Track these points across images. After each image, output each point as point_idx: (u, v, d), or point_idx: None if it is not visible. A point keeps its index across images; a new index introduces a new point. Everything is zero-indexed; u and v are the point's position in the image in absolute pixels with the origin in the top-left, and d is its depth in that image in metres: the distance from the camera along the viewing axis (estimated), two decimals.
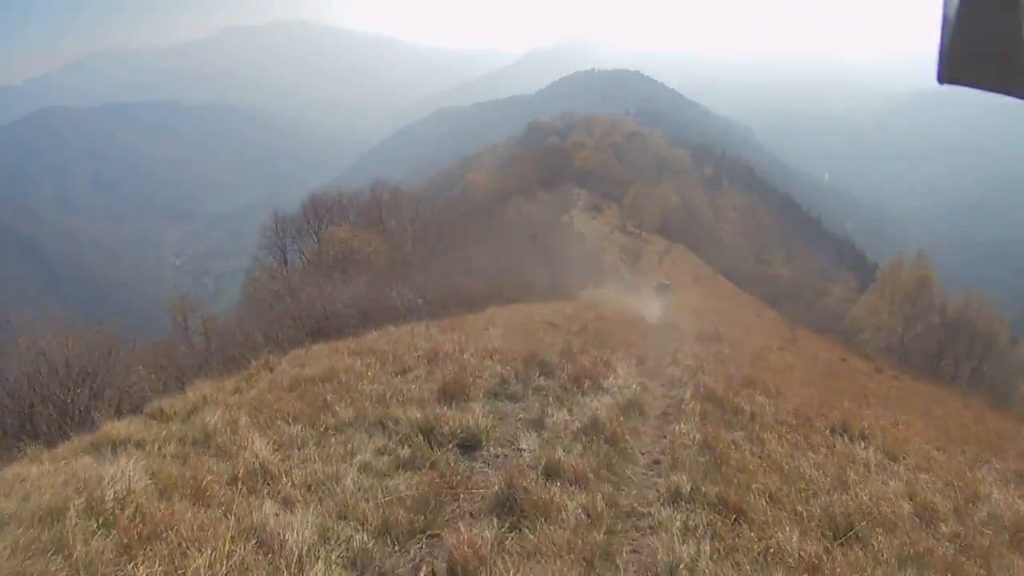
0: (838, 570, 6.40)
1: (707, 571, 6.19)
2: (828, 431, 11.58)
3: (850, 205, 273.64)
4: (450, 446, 8.93)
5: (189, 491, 7.21)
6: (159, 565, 5.64)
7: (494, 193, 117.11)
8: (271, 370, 14.38)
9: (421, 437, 9.14)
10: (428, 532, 6.81)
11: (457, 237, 56.93)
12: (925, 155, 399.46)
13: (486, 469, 8.57)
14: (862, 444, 11.07)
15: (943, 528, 8.11)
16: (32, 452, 9.77)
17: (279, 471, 7.91)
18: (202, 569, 5.61)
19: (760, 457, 9.38)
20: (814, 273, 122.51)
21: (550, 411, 10.66)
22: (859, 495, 8.27)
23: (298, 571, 5.89)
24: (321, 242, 50.98)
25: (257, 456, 8.14)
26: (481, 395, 11.40)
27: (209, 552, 5.82)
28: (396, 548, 6.52)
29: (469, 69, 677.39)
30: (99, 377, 17.31)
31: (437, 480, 7.80)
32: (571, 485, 7.90)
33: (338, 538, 6.48)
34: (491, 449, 9.19)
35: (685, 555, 6.41)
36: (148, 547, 5.93)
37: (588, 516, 7.18)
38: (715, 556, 6.50)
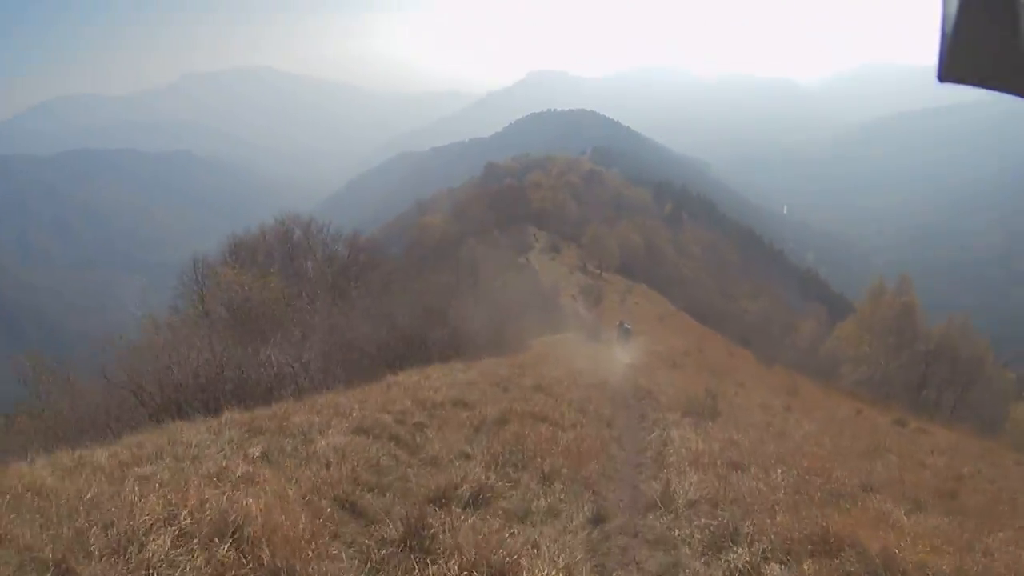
0: None
1: None
2: None
3: (810, 236, 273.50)
4: None
5: None
6: None
7: (449, 236, 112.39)
8: None
9: None
10: None
11: (402, 282, 51.53)
12: (879, 183, 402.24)
13: None
14: None
15: None
16: None
17: None
18: None
19: None
20: (781, 307, 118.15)
21: None
22: None
23: None
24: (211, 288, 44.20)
25: None
26: None
27: None
28: None
29: (429, 112, 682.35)
30: None
31: None
32: None
33: None
34: None
35: None
36: None
37: None
38: None
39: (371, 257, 50.39)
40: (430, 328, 26.39)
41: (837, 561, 6.68)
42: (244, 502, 6.45)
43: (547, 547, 6.84)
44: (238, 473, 7.65)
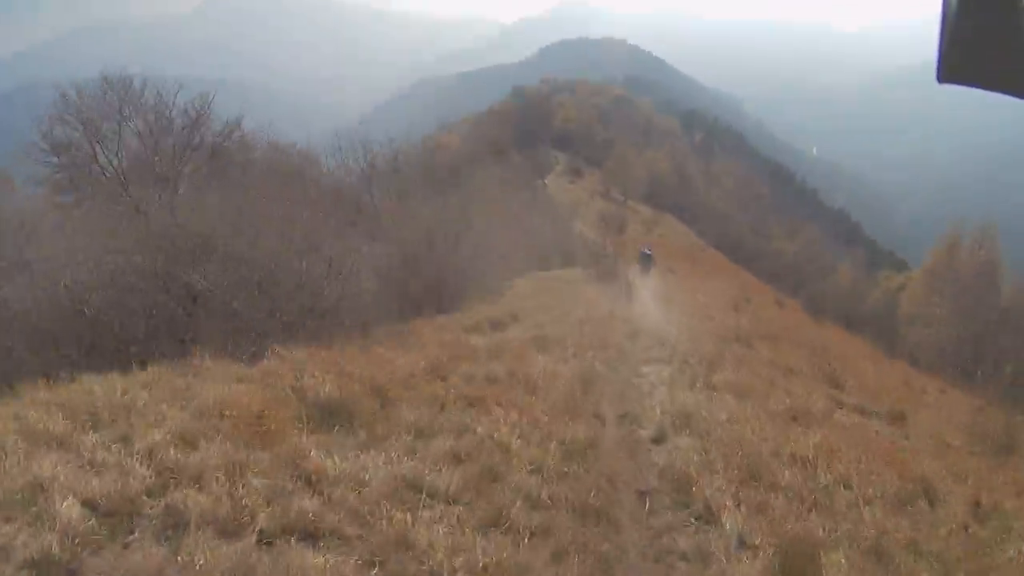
0: None
1: None
2: None
3: (840, 179, 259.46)
4: None
5: None
6: None
7: (463, 156, 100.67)
8: None
9: None
10: None
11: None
12: (910, 132, 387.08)
13: None
14: None
15: None
16: None
17: None
18: None
19: None
20: (818, 249, 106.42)
21: None
22: None
23: None
24: None
25: None
26: None
27: None
28: None
29: (456, 38, 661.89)
30: None
31: None
32: None
33: None
34: None
35: None
36: None
37: None
38: None
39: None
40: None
41: None
42: None
43: None
44: None
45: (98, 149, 31.04)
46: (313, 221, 17.87)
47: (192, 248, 14.17)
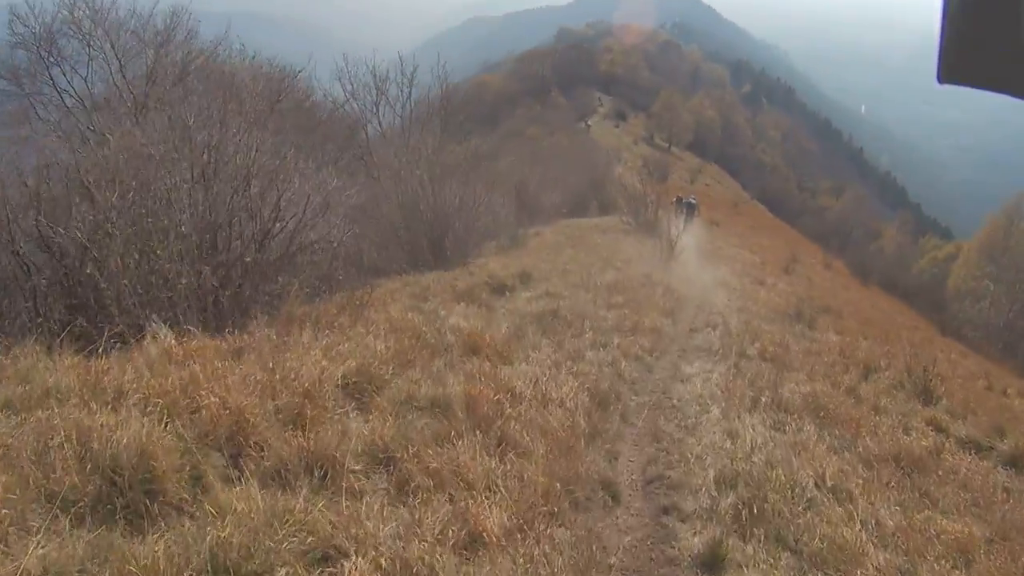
0: None
1: None
2: None
3: (887, 140, 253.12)
4: None
5: None
6: None
7: (505, 95, 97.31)
8: None
9: None
10: None
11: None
12: (961, 99, 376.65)
13: None
14: None
15: None
16: None
17: None
18: None
19: None
20: (864, 209, 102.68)
21: None
22: None
23: None
24: None
25: None
26: None
27: None
28: None
29: None
30: None
31: None
32: None
33: None
34: None
35: None
36: None
37: None
38: None
39: None
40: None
41: None
42: None
43: None
44: None
45: (56, 73, 26.72)
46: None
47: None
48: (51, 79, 26.35)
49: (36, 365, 6.55)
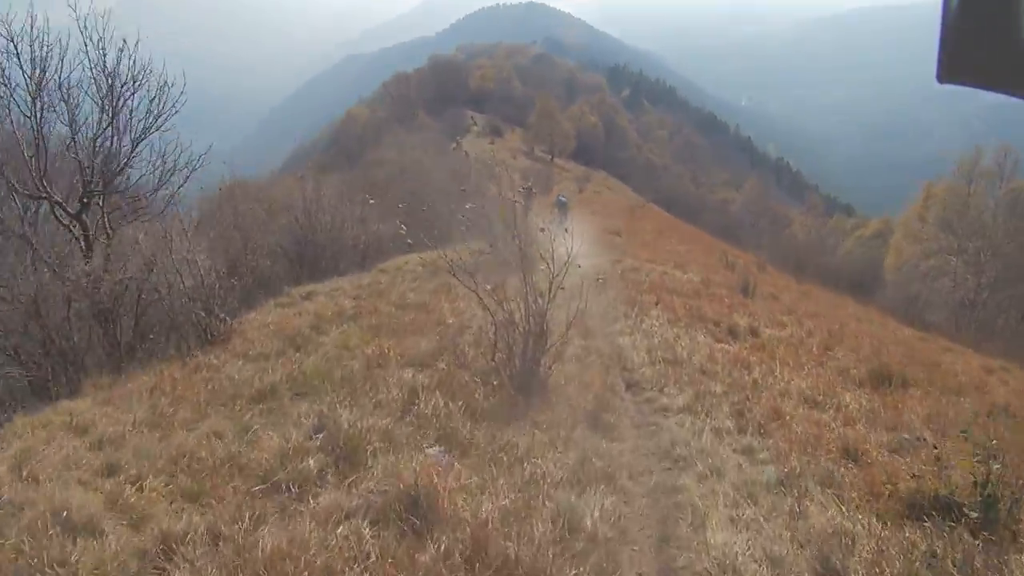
0: None
1: None
2: None
3: (770, 128, 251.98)
4: None
5: None
6: None
7: (374, 124, 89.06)
8: None
9: None
10: None
11: None
12: (835, 77, 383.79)
13: None
14: None
15: None
16: None
17: None
18: None
19: None
20: (767, 198, 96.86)
21: None
22: None
23: None
24: None
25: None
26: None
27: None
28: None
29: (368, 19, 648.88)
30: None
31: None
32: None
33: None
34: None
35: None
36: None
37: None
38: None
39: None
40: None
41: None
42: None
43: None
44: None
45: None
46: None
47: None
48: None
49: None
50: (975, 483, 6.14)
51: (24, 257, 13.09)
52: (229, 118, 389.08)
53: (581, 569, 5.09)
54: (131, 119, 16.00)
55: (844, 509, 6.17)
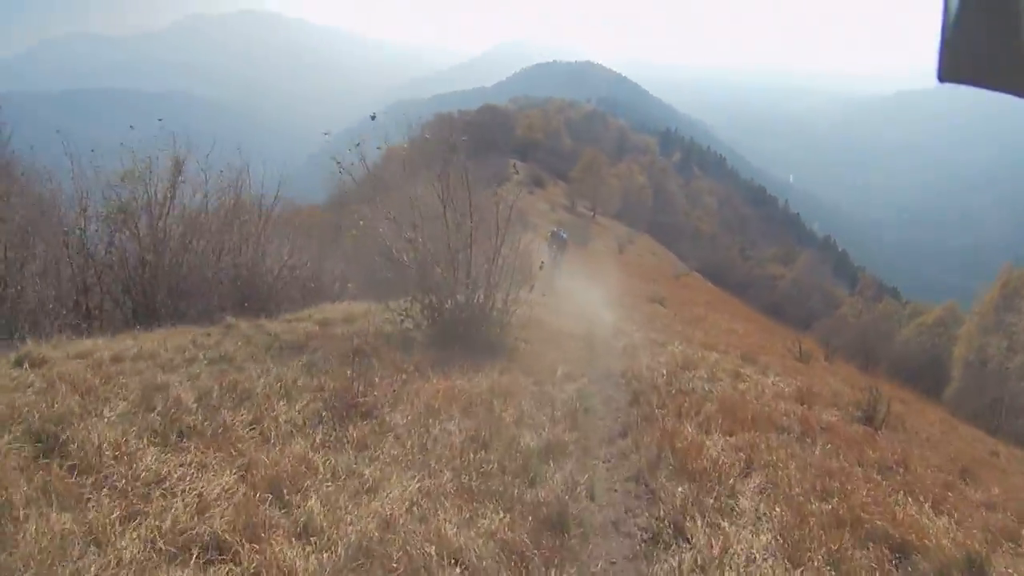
0: None
1: None
2: None
3: (816, 207, 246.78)
4: None
5: None
6: None
7: (410, 164, 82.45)
8: None
9: None
10: None
11: None
12: (881, 160, 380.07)
13: None
14: None
15: None
16: None
17: None
18: None
19: None
20: (818, 275, 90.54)
21: None
22: None
23: None
24: None
25: None
26: None
27: None
28: None
29: (430, 64, 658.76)
30: None
31: None
32: None
33: None
34: None
35: None
36: None
37: None
38: None
39: None
40: None
41: None
42: None
43: None
44: None
45: None
46: None
47: None
48: None
49: None
50: None
51: None
52: (281, 146, 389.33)
53: None
54: None
55: None
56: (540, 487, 6.44)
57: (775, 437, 9.03)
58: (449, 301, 12.54)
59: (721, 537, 5.66)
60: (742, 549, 5.55)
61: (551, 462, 7.04)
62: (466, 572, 4.97)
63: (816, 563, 5.35)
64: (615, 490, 6.92)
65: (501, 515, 5.77)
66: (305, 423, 7.60)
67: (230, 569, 4.68)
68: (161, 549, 4.72)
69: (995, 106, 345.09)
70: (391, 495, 5.91)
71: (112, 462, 5.95)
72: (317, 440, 7.11)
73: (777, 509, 6.33)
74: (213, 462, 6.29)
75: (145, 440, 6.55)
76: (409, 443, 7.22)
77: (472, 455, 6.98)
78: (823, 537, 5.77)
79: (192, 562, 4.66)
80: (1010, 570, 5.87)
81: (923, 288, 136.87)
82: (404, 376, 9.66)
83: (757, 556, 5.48)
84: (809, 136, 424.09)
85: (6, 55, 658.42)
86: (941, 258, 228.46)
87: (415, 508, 5.80)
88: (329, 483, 6.12)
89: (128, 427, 6.79)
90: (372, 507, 5.69)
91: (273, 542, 4.90)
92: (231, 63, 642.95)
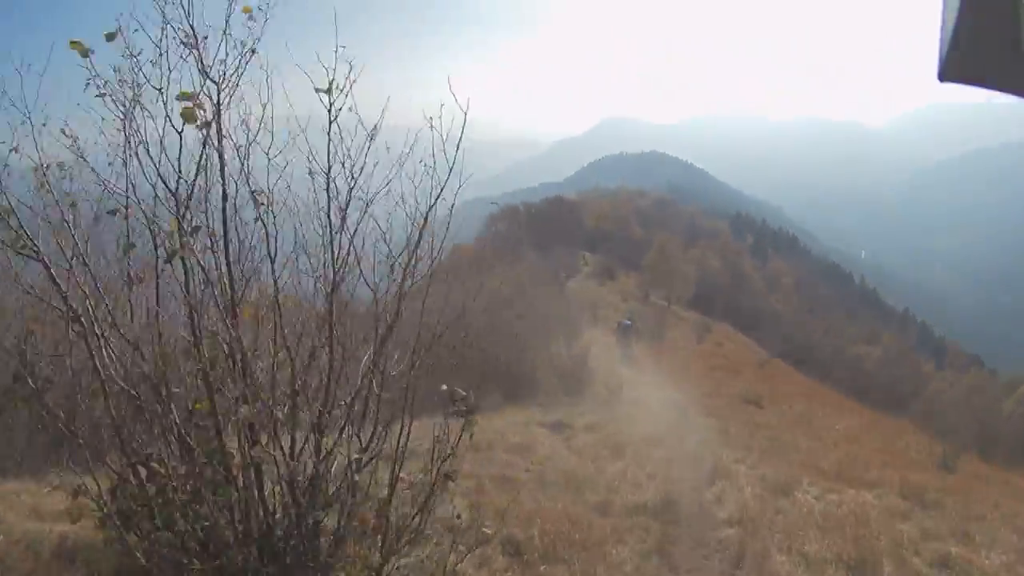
0: None
1: None
2: None
3: (889, 279, 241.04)
4: None
5: None
6: None
7: (480, 260, 79.83)
8: None
9: None
10: None
11: None
12: (949, 224, 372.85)
13: None
14: None
15: None
16: None
17: None
18: None
19: None
20: (906, 353, 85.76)
21: None
22: None
23: None
24: None
25: None
26: None
27: None
28: None
29: (502, 160, 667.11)
30: None
31: None
32: None
33: None
34: None
35: None
36: None
37: None
38: None
39: None
40: None
41: None
42: None
43: None
44: None
45: None
46: None
47: None
48: None
49: None
50: None
51: None
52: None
53: None
54: None
55: None
56: None
57: None
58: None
59: None
60: None
61: None
62: None
63: None
64: None
65: None
66: None
67: None
68: None
69: None
70: None
71: None
72: None
73: None
74: None
75: None
76: None
77: None
78: None
79: None
80: None
81: (1004, 353, 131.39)
82: None
83: None
84: (877, 207, 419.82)
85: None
86: (1017, 321, 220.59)
87: None
88: None
89: None
90: None
91: None
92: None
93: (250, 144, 5.77)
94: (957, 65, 1.29)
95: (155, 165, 5.60)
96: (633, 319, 35.81)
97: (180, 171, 5.67)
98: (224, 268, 5.89)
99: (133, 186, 5.95)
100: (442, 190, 6.65)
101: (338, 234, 6.13)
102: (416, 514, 6.15)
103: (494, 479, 10.63)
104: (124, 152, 5.90)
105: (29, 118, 5.40)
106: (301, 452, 5.78)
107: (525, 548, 8.02)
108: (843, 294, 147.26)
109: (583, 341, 31.80)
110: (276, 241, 6.09)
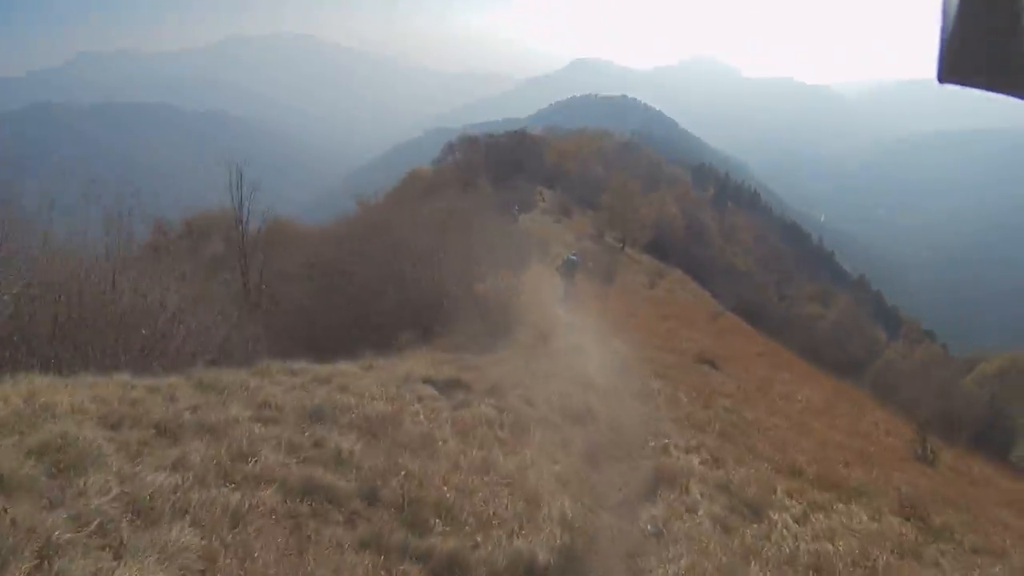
0: None
1: None
2: None
3: (846, 246, 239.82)
4: None
5: None
6: None
7: (434, 187, 77.39)
8: None
9: None
10: None
11: None
12: (913, 200, 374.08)
13: None
14: None
15: None
16: None
17: None
18: None
19: None
20: (857, 317, 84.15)
21: None
22: None
23: None
24: None
25: None
26: None
27: None
28: None
29: (472, 93, 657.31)
30: None
31: None
32: None
33: None
34: None
35: None
36: None
37: None
38: None
39: None
40: None
41: None
42: None
43: None
44: None
45: None
46: None
47: None
48: None
49: None
50: None
51: None
52: (317, 168, 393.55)
53: None
54: None
55: None
56: None
57: None
58: None
59: None
60: None
61: None
62: None
63: None
64: None
65: None
66: None
67: None
68: None
69: None
70: None
71: None
72: None
73: None
74: None
75: None
76: None
77: None
78: None
79: None
80: None
81: (956, 332, 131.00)
82: None
83: None
84: (840, 176, 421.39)
85: (44, 66, 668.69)
86: (973, 302, 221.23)
87: None
88: None
89: None
90: None
91: None
92: (268, 85, 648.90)
93: None
94: (956, 66, 1.30)
95: None
96: (582, 256, 32.68)
97: None
98: None
99: None
100: None
101: None
102: None
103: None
104: None
105: None
106: None
107: None
108: (800, 253, 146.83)
109: (523, 277, 28.30)
110: None
